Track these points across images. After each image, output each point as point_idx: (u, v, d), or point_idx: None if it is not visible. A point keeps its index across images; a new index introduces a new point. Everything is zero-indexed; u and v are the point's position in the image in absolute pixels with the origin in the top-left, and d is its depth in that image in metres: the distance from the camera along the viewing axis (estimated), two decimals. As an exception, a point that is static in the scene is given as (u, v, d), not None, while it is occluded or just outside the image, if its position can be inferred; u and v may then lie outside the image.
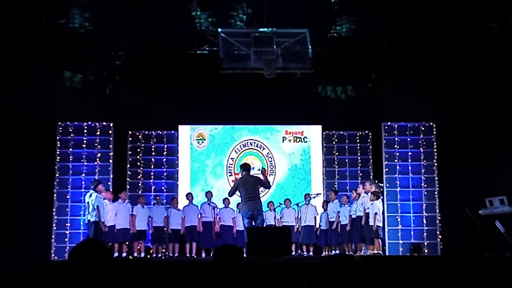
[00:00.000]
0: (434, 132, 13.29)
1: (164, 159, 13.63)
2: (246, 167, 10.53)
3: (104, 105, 13.63)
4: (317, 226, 12.83)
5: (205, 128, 13.99)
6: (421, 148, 13.30)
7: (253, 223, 10.08)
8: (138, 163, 13.48)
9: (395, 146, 13.31)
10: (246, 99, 13.67)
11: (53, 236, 12.44)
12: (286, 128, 14.13)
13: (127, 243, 12.08)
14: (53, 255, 12.32)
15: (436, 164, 13.14)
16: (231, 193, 10.69)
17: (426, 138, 13.32)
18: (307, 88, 13.81)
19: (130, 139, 13.53)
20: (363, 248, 11.44)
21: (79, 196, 12.54)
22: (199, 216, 12.41)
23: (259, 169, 13.10)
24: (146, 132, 13.63)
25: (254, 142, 14.07)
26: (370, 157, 13.84)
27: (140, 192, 13.18)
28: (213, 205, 12.45)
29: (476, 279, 7.10)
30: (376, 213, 10.89)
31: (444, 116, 13.24)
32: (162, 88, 13.75)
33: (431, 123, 13.35)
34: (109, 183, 12.70)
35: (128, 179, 13.33)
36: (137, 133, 13.59)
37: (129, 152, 13.47)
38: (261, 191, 10.88)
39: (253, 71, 10.81)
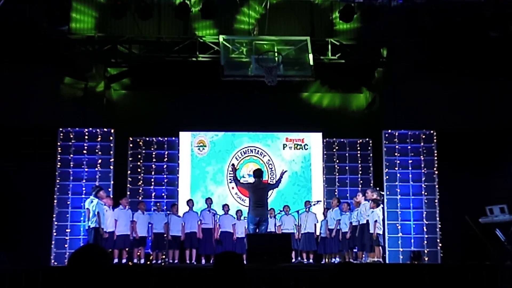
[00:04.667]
0: (435, 140, 13.29)
1: (165, 166, 13.62)
2: (258, 174, 10.62)
3: (105, 111, 13.66)
4: (317, 233, 12.82)
5: (206, 135, 14.00)
6: (421, 156, 13.28)
7: (257, 230, 10.11)
8: (139, 170, 13.48)
9: (396, 154, 13.30)
10: (247, 106, 13.70)
11: (53, 242, 12.41)
12: (286, 135, 14.14)
13: (127, 249, 12.07)
14: (53, 260, 12.29)
15: (436, 172, 13.13)
16: (237, 184, 10.91)
17: (426, 146, 13.31)
18: (308, 95, 13.85)
19: (131, 145, 13.53)
20: (363, 255, 11.42)
21: (80, 202, 12.52)
22: (199, 222, 12.40)
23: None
24: (147, 139, 13.63)
25: (255, 149, 14.08)
26: (370, 164, 13.84)
27: (140, 198, 13.17)
28: (213, 212, 12.46)
29: (476, 288, 7.09)
30: (376, 221, 10.88)
31: (444, 124, 13.25)
32: (163, 95, 13.79)
33: (432, 131, 13.34)
34: (110, 189, 12.69)
35: (128, 185, 13.33)
36: (138, 140, 13.59)
37: (130, 159, 13.47)
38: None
39: (254, 78, 10.84)
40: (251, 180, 11.03)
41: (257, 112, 13.80)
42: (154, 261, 12.19)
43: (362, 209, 11.37)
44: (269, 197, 11.36)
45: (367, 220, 11.08)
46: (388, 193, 13.08)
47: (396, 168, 13.23)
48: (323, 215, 12.86)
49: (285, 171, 11.10)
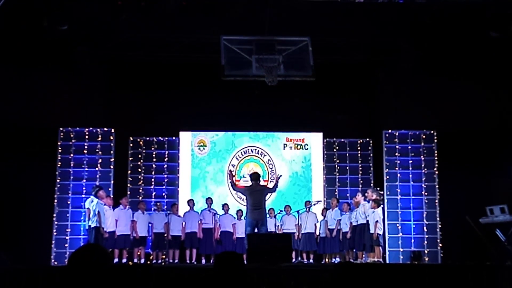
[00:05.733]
0: (435, 140, 13.30)
1: (165, 165, 13.64)
2: (256, 176, 10.74)
3: (105, 111, 13.66)
4: (317, 233, 12.82)
5: (206, 135, 14.01)
6: (422, 156, 13.30)
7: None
8: (139, 169, 13.50)
9: (396, 154, 13.31)
10: (248, 106, 13.69)
11: (53, 242, 12.42)
12: (287, 135, 14.15)
13: (127, 249, 12.07)
14: (53, 260, 12.30)
15: (437, 172, 13.13)
16: (235, 190, 11.14)
17: (427, 146, 13.32)
18: (308, 95, 13.83)
19: (131, 145, 13.55)
20: (364, 255, 11.43)
21: (80, 202, 12.54)
22: (200, 222, 12.41)
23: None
24: (147, 138, 13.65)
25: (255, 149, 14.08)
26: (371, 164, 13.85)
27: (140, 198, 13.18)
28: (213, 212, 12.46)
29: (477, 288, 7.09)
30: (377, 221, 10.88)
31: (445, 124, 13.25)
32: (164, 94, 13.78)
33: (432, 131, 13.36)
34: (110, 189, 12.70)
35: (129, 185, 13.35)
36: (138, 139, 13.61)
37: (130, 158, 13.48)
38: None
39: (254, 78, 10.83)
40: (249, 183, 11.11)
41: (257, 112, 13.80)
42: (154, 261, 12.20)
43: (361, 209, 11.38)
44: (267, 199, 11.38)
45: (367, 220, 11.08)
46: (388, 193, 13.09)
47: (397, 168, 13.25)
48: (322, 215, 12.86)
49: (281, 176, 11.29)
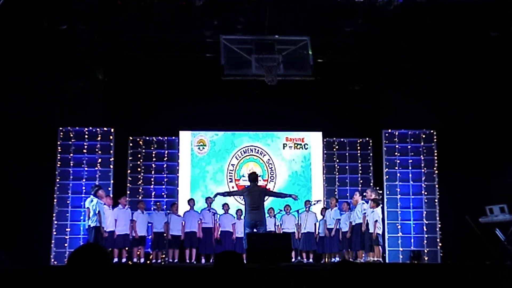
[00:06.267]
0: (435, 140, 13.30)
1: (165, 165, 13.63)
2: (254, 177, 10.78)
3: (105, 111, 13.66)
4: (317, 233, 12.82)
5: (206, 134, 14.00)
6: (421, 156, 13.30)
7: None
8: (139, 169, 13.49)
9: (396, 153, 13.32)
10: (247, 105, 13.69)
11: (53, 241, 12.43)
12: (286, 135, 14.15)
13: (126, 248, 12.08)
14: (52, 260, 12.30)
15: (436, 171, 13.14)
16: (226, 194, 11.34)
17: (426, 146, 13.33)
18: (308, 95, 13.83)
19: (130, 144, 13.54)
20: (363, 255, 11.43)
21: (79, 201, 12.54)
22: (199, 222, 12.40)
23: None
24: (147, 138, 13.64)
25: (255, 149, 14.08)
26: (370, 164, 13.85)
27: (140, 197, 13.17)
28: (213, 211, 12.46)
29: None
30: (376, 221, 10.88)
31: (444, 124, 13.26)
32: (163, 94, 13.78)
33: (432, 131, 13.36)
34: (110, 189, 12.70)
35: (128, 184, 13.34)
36: (138, 139, 13.60)
37: (130, 158, 13.48)
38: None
39: (254, 78, 10.84)
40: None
41: (257, 112, 13.79)
42: (154, 261, 12.20)
43: (358, 208, 11.39)
44: (266, 199, 11.39)
45: (366, 220, 11.08)
46: (388, 192, 13.10)
47: (396, 168, 13.25)
48: (321, 214, 12.87)
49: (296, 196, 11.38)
